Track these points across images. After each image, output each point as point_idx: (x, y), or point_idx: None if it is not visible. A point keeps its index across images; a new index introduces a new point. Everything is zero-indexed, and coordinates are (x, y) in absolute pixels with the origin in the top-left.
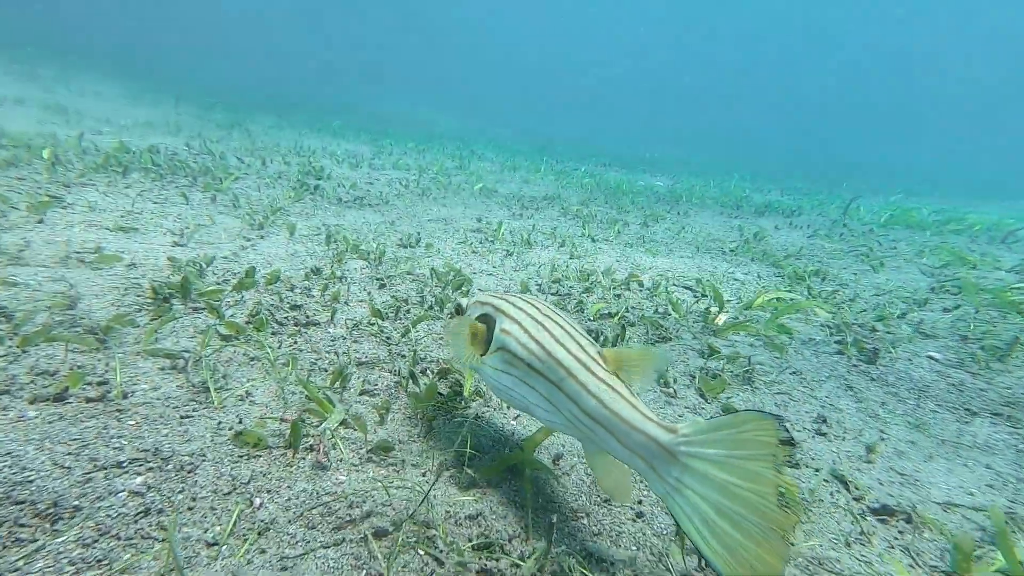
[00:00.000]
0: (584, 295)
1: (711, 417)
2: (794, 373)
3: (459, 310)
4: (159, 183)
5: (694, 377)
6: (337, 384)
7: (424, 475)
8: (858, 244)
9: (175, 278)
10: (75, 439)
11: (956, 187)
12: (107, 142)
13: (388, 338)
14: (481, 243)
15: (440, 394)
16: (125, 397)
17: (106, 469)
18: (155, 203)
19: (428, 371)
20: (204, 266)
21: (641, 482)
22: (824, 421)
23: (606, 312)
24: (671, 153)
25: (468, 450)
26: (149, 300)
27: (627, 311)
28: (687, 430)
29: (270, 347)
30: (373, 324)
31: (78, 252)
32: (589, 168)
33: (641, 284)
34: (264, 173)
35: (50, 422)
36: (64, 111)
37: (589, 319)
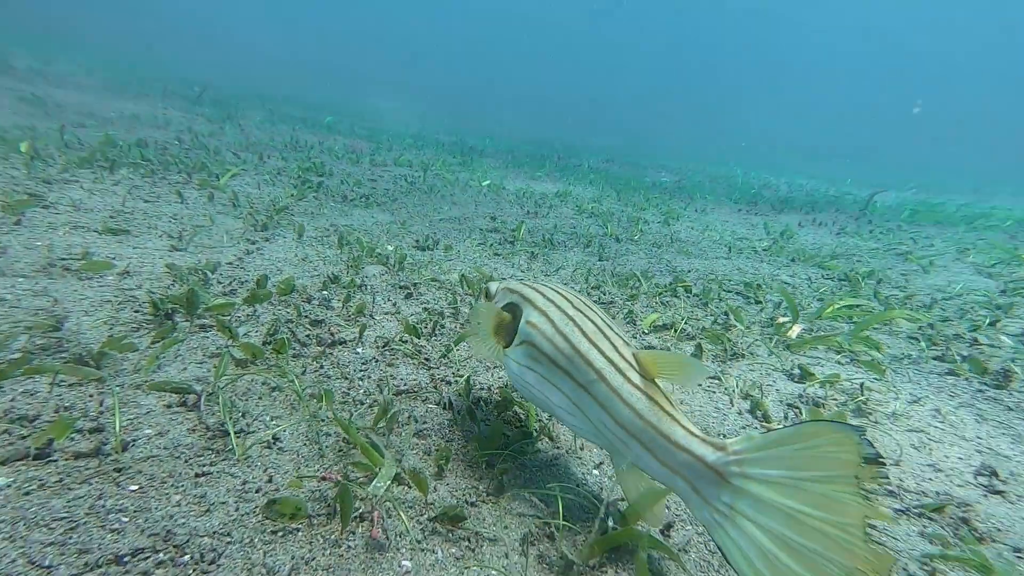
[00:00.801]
0: (629, 302)
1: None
2: (915, 402)
3: (487, 294)
4: (150, 180)
5: (794, 407)
6: (382, 424)
7: (507, 556)
8: (893, 242)
9: (177, 289)
10: (60, 518)
11: (938, 182)
12: (91, 136)
13: (427, 359)
14: (501, 244)
15: (504, 435)
16: (125, 449)
17: (101, 568)
18: (147, 202)
19: (482, 401)
20: (208, 274)
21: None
22: (994, 474)
23: (661, 324)
24: (663, 147)
25: (560, 521)
26: (149, 316)
27: (685, 323)
28: (739, 446)
29: (294, 374)
30: (406, 342)
31: (63, 259)
32: (592, 165)
33: (689, 290)
34: (262, 169)
35: (27, 493)
36: (42, 103)
37: (643, 332)
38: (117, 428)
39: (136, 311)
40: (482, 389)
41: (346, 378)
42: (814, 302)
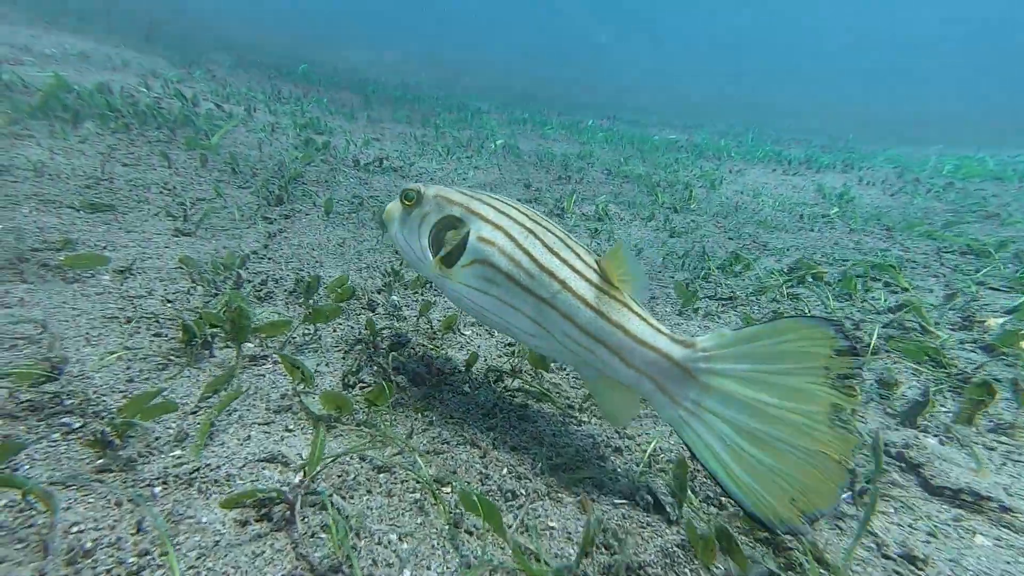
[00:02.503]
0: (756, 296)
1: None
2: None
3: (417, 199)
4: (125, 137)
5: None
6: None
7: None
8: (965, 203)
9: (198, 293)
10: None
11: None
12: (35, 76)
13: (569, 403)
14: (551, 218)
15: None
16: None
17: None
18: (126, 165)
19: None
20: (237, 272)
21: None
22: None
23: None
24: (650, 103)
25: None
26: (177, 345)
27: (856, 326)
28: (708, 343)
29: (404, 443)
30: (522, 373)
31: (36, 249)
32: (596, 124)
33: (821, 278)
34: (253, 125)
35: None
36: None
37: None
38: None
39: (156, 334)
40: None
41: (475, 445)
42: (971, 285)
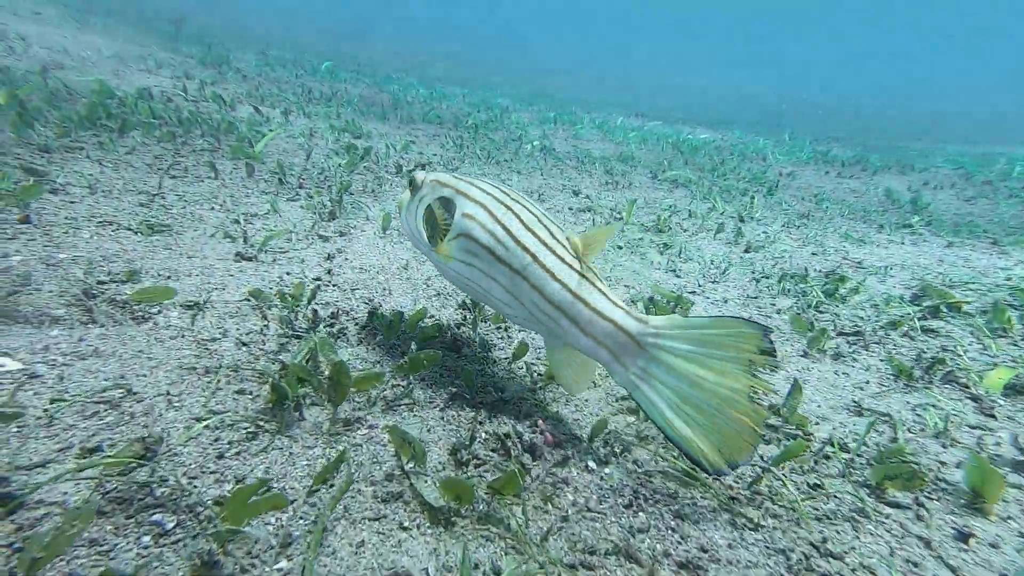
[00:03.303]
0: (887, 331)
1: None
2: None
3: (413, 185)
4: (171, 146)
5: None
6: None
7: None
8: None
9: (273, 334)
10: None
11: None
12: (77, 81)
13: (731, 494)
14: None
15: None
16: None
17: None
18: (174, 177)
19: None
20: (313, 310)
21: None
22: None
23: (1013, 384)
24: (660, 103)
25: None
26: (264, 406)
27: None
28: (659, 322)
29: (544, 550)
30: (659, 444)
31: (103, 283)
32: (626, 121)
33: (959, 309)
34: (292, 129)
35: None
36: (3, 36)
37: (994, 399)
38: None
39: (239, 391)
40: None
41: (632, 558)
42: None
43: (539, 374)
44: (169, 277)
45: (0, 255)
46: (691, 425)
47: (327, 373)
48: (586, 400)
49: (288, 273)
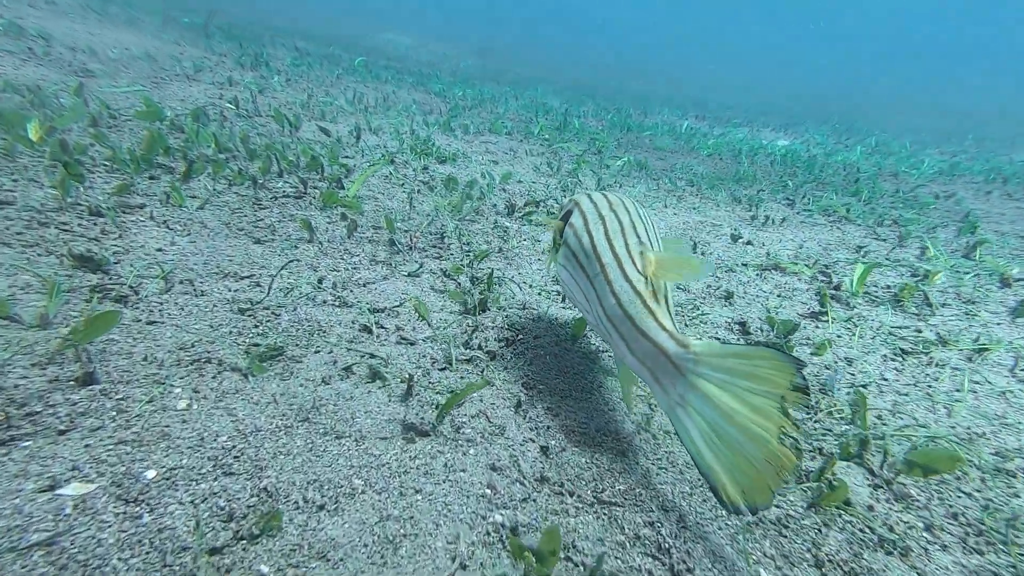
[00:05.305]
0: None
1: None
2: None
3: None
4: (249, 194)
5: None
6: None
7: None
8: None
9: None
10: None
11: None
12: (114, 94)
13: None
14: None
15: None
16: None
17: None
18: (260, 243)
19: None
20: None
21: None
22: None
23: None
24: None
25: None
26: None
27: None
28: (699, 348)
29: None
30: None
31: (216, 551)
32: (690, 123)
33: None
34: (368, 152)
35: None
36: (23, 32)
37: None
38: None
39: None
40: None
41: None
42: None
43: None
44: (320, 506)
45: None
46: (720, 460)
47: None
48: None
49: (494, 463)
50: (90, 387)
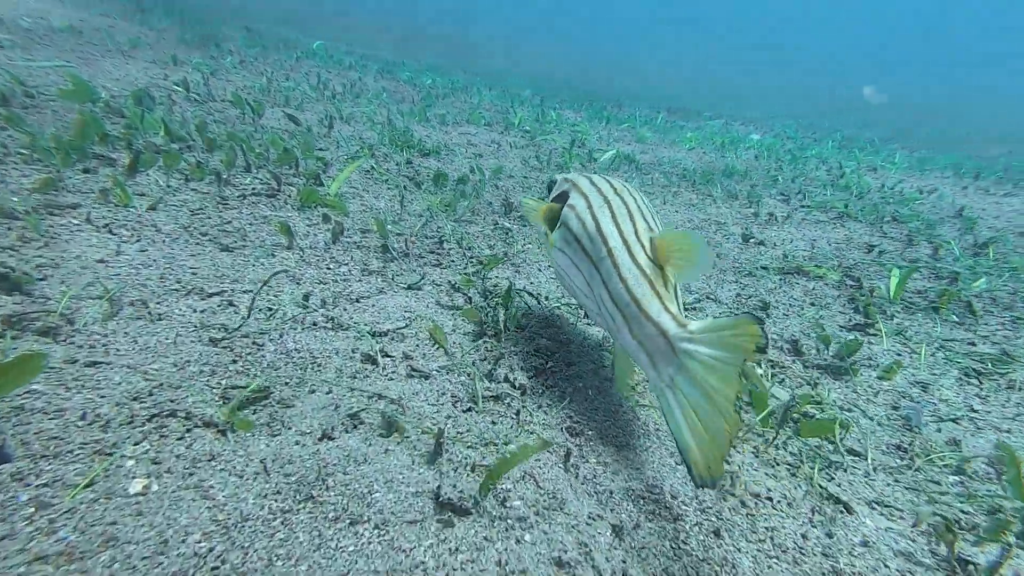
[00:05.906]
0: None
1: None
2: None
3: (549, 187)
4: (211, 190)
5: None
6: None
7: None
8: None
9: None
10: None
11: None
12: (30, 69)
13: None
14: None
15: None
16: None
17: None
18: (228, 251)
19: None
20: None
21: None
22: None
23: None
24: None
25: None
26: None
27: None
28: (695, 327)
29: None
30: None
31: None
32: (667, 117)
33: None
34: (344, 144)
35: None
36: None
37: None
38: None
39: None
40: None
41: None
42: None
43: None
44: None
45: None
46: (694, 438)
47: None
48: None
49: (561, 562)
50: (4, 464)
